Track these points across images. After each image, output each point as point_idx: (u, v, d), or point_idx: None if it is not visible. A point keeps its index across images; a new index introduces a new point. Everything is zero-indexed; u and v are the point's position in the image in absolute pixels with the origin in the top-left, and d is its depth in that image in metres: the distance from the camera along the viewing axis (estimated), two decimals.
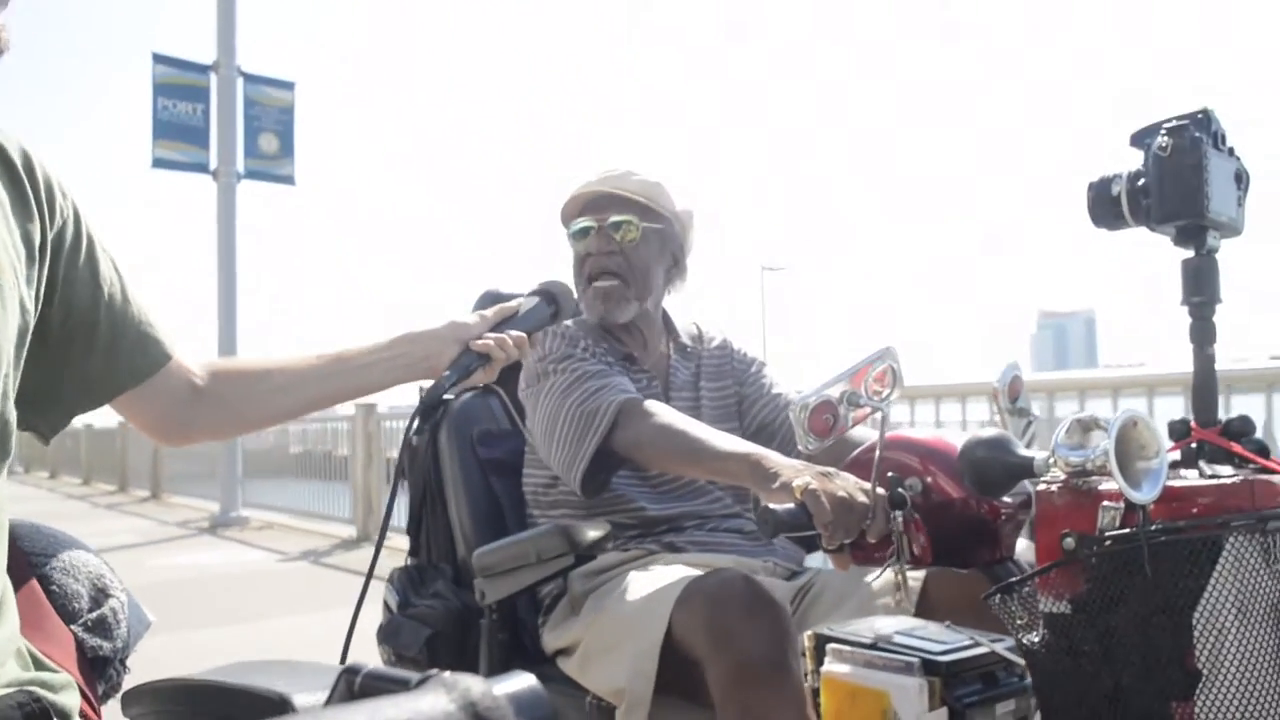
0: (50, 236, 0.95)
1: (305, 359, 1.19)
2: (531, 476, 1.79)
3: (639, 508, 1.69)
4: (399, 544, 2.00)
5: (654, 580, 1.48)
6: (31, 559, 0.96)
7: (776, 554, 1.70)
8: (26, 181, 0.93)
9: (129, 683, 1.01)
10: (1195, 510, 0.91)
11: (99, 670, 0.96)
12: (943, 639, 1.15)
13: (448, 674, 0.43)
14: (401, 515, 1.99)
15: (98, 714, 0.93)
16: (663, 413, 1.56)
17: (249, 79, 10.60)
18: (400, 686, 0.46)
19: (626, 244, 1.75)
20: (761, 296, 39.92)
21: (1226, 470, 0.98)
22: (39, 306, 0.94)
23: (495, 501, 1.85)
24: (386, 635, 1.73)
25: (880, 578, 1.46)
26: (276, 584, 6.45)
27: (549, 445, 1.66)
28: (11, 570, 0.91)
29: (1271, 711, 0.87)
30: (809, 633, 1.19)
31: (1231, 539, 0.88)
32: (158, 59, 10.35)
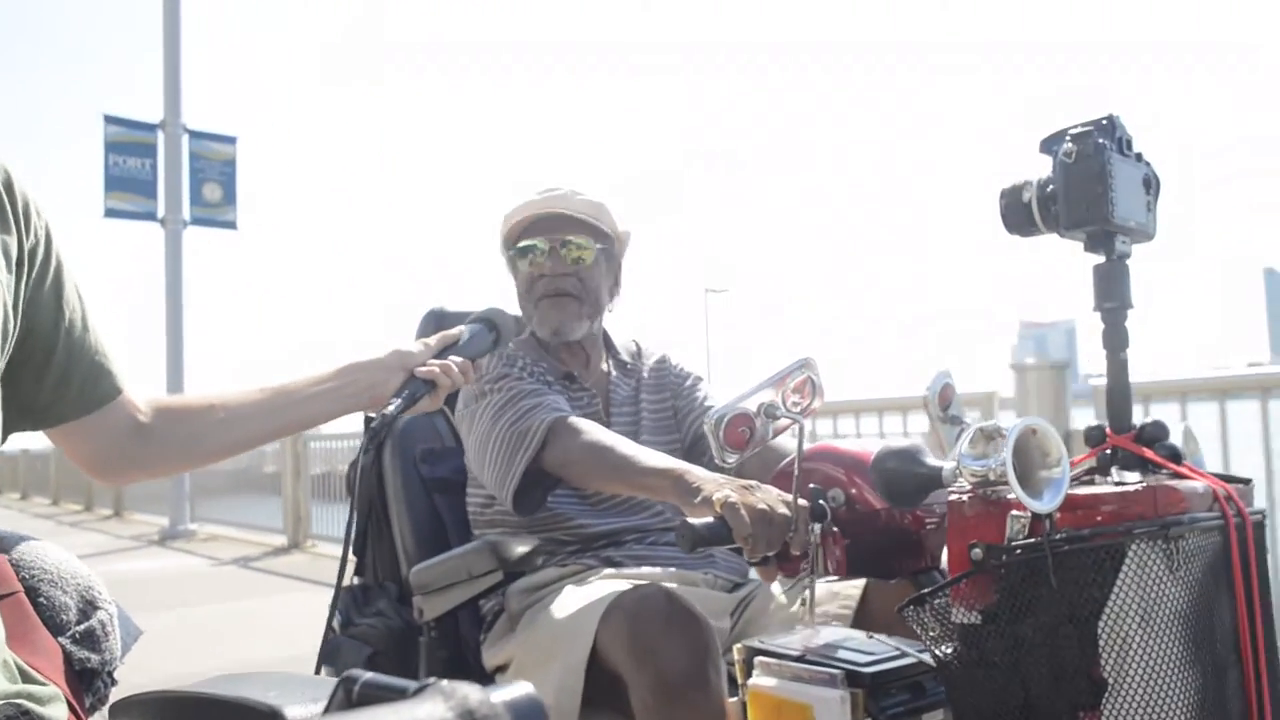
0: (26, 252, 0.95)
1: (249, 393, 1.17)
2: (473, 495, 1.77)
3: (578, 524, 1.68)
4: (328, 551, 2.01)
5: (585, 596, 1.47)
6: (19, 571, 0.94)
7: (718, 566, 1.69)
8: (5, 197, 0.93)
9: (116, 694, 0.99)
10: (1099, 518, 0.90)
11: (87, 682, 0.94)
12: (871, 650, 1.13)
13: (445, 682, 0.43)
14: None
15: None
16: (591, 430, 1.55)
17: (194, 135, 11.38)
18: (397, 695, 0.47)
19: (581, 264, 1.73)
20: (705, 319, 39.98)
21: (1134, 477, 0.98)
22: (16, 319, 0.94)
23: (438, 519, 1.84)
24: (326, 655, 1.71)
25: (796, 591, 1.45)
26: (202, 584, 7.12)
27: (482, 464, 1.64)
28: None
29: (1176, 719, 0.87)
30: (739, 645, 1.18)
31: (1134, 546, 0.88)
32: (109, 120, 11.12)
